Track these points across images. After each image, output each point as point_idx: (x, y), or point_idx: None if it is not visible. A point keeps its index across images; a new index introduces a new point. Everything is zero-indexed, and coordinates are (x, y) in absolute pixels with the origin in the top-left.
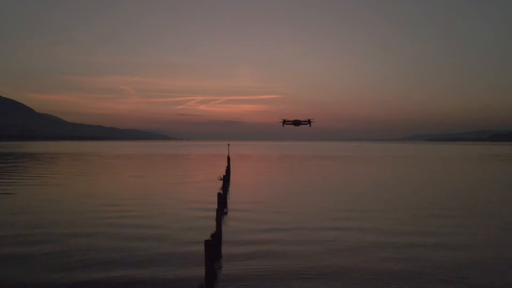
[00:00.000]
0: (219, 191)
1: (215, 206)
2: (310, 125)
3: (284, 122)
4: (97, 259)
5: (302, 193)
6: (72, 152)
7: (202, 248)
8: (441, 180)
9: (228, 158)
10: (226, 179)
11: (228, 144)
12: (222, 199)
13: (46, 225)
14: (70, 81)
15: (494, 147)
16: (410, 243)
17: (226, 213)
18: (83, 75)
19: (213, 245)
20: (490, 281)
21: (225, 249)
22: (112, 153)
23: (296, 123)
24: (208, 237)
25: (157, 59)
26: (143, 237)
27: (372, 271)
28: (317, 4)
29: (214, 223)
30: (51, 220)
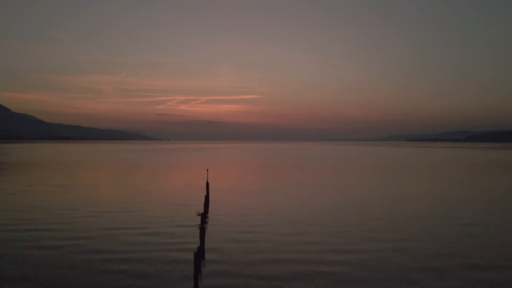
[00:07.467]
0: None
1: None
2: None
3: None
4: None
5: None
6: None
7: None
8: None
9: (207, 185)
10: (204, 216)
11: (207, 170)
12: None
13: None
14: (48, 80)
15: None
16: None
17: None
18: (62, 74)
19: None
20: None
21: None
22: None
23: None
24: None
25: (137, 59)
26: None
27: None
28: (301, 0)
29: None
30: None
